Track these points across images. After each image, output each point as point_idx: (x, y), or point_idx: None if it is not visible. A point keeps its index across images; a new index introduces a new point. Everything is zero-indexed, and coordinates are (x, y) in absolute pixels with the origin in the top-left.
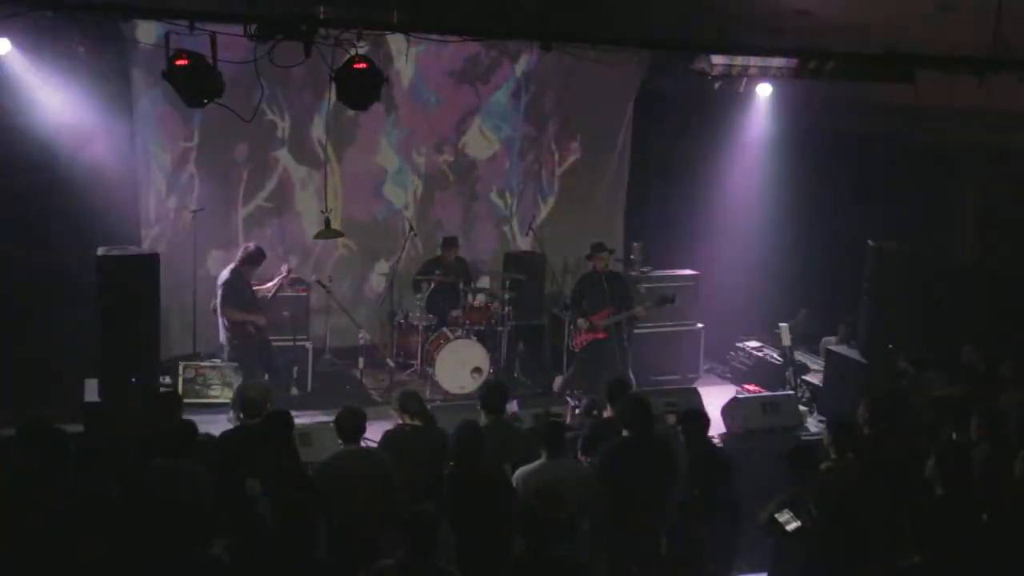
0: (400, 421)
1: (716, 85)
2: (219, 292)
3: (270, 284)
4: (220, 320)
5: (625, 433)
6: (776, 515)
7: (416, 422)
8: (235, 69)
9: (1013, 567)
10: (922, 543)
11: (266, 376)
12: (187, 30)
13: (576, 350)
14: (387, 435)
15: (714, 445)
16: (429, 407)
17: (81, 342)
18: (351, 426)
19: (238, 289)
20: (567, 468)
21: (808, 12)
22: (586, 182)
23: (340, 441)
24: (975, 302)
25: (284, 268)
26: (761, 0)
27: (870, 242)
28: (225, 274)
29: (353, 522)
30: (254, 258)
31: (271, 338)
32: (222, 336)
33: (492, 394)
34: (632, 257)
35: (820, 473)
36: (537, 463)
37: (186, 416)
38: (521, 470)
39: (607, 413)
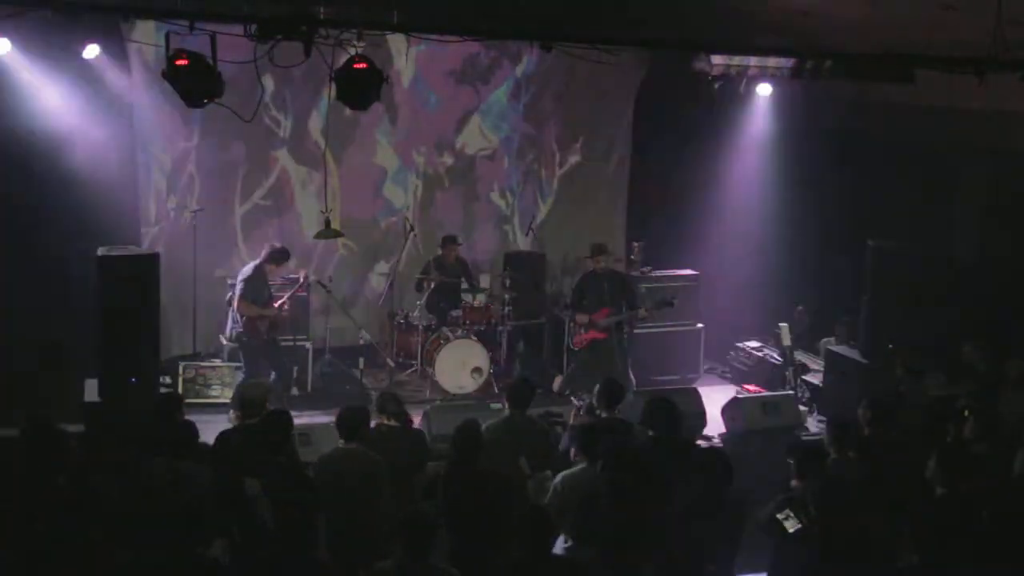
0: (377, 422)
1: (716, 85)
2: (238, 287)
3: (285, 296)
4: (231, 315)
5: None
6: (776, 515)
7: (392, 423)
8: (235, 69)
9: (1013, 567)
10: (922, 543)
11: (272, 376)
12: (187, 30)
13: (576, 350)
14: None
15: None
16: (429, 407)
17: (81, 342)
18: (351, 425)
19: (257, 285)
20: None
21: (808, 12)
22: (586, 182)
23: (341, 440)
24: (975, 302)
25: (302, 275)
26: (761, 0)
27: (870, 242)
28: (247, 269)
29: (351, 521)
30: (278, 257)
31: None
32: (228, 331)
33: (522, 391)
34: (632, 257)
35: (821, 473)
36: (578, 468)
37: (186, 416)
38: (563, 474)
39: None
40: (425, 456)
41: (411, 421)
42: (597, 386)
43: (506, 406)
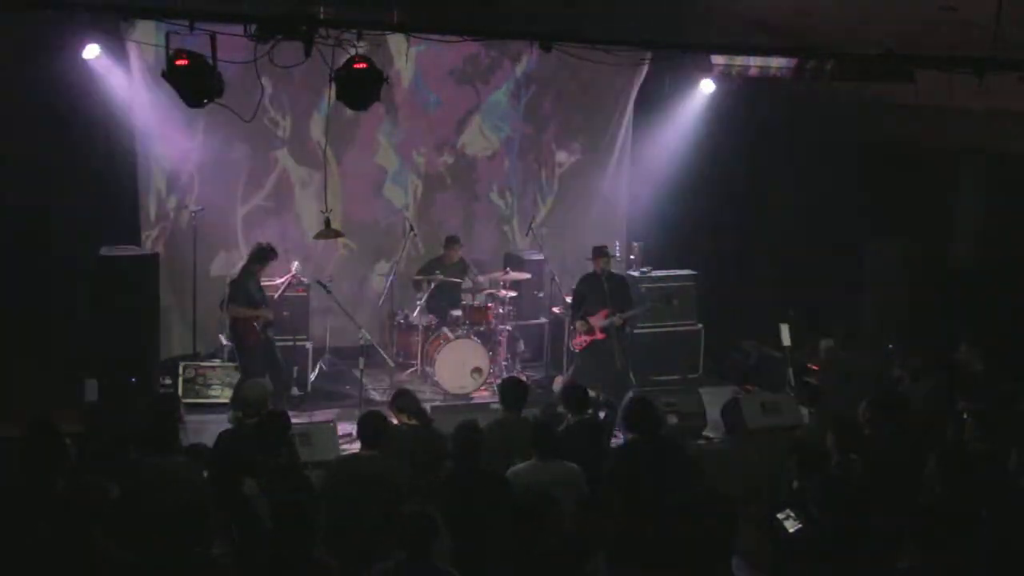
0: (396, 421)
1: (715, 85)
2: (225, 291)
3: (279, 281)
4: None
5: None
6: (777, 515)
7: (414, 422)
8: (235, 69)
9: (1013, 567)
10: (922, 543)
11: (268, 376)
12: (187, 30)
13: (576, 351)
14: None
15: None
16: (429, 407)
17: (81, 342)
18: (375, 432)
19: (245, 288)
20: (557, 469)
21: (808, 12)
22: (586, 182)
23: (360, 445)
24: (974, 302)
25: (294, 265)
26: (761, 0)
27: (870, 242)
28: (234, 272)
29: (360, 524)
30: (263, 255)
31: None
32: (226, 334)
33: (511, 390)
34: (632, 257)
35: (823, 473)
36: (528, 463)
37: (186, 416)
38: (511, 470)
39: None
40: (443, 455)
41: (431, 420)
42: (562, 391)
43: (500, 408)
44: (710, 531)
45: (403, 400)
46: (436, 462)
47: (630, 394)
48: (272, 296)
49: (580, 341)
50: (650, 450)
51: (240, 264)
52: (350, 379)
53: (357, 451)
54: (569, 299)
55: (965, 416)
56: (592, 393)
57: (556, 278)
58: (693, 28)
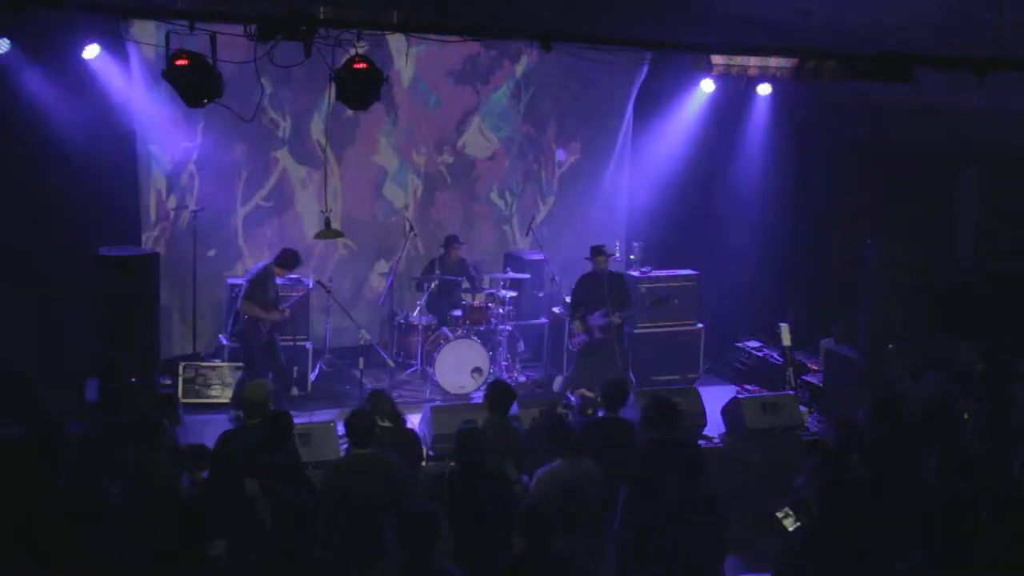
0: None
1: (715, 85)
2: (243, 286)
3: (290, 277)
4: (235, 313)
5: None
6: (777, 514)
7: (386, 423)
8: (235, 69)
9: (1013, 568)
10: (923, 543)
11: (270, 376)
12: (187, 30)
13: (575, 350)
14: None
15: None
16: (429, 407)
17: (81, 342)
18: (365, 430)
19: (263, 286)
20: (585, 467)
21: (808, 12)
22: (586, 182)
23: (353, 446)
24: (974, 302)
25: (312, 282)
26: (761, 0)
27: (869, 241)
28: (253, 270)
29: (363, 523)
30: (287, 260)
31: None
32: (230, 329)
33: (499, 394)
34: (632, 257)
35: (824, 473)
36: (555, 464)
37: (186, 416)
38: (541, 470)
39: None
40: (419, 456)
41: (404, 420)
42: (604, 387)
43: (486, 411)
44: (703, 531)
45: (376, 401)
46: (412, 463)
47: (631, 395)
48: (278, 309)
49: (579, 341)
50: (668, 450)
51: (260, 263)
52: (350, 379)
53: (354, 450)
54: (569, 299)
55: (965, 416)
56: (591, 394)
57: (556, 278)
58: (693, 28)
